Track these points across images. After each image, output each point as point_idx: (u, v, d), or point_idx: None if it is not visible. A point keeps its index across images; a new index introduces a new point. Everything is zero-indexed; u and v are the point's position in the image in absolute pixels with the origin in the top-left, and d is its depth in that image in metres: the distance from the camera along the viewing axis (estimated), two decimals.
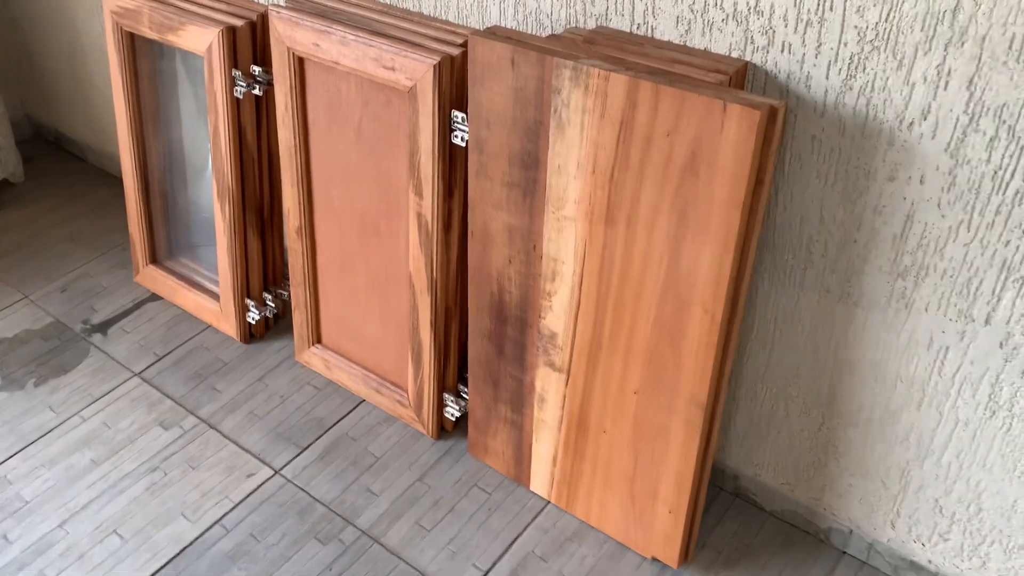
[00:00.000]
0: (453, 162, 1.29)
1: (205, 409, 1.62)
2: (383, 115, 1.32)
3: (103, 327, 1.81)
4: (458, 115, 1.23)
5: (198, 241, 1.87)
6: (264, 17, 1.52)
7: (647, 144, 1.04)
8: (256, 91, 1.50)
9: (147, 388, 1.67)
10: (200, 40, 1.50)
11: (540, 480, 1.42)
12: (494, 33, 1.13)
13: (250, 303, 1.71)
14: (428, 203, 1.31)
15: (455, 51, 1.21)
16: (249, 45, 1.50)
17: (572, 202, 1.14)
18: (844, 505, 1.30)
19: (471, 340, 1.38)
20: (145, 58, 1.69)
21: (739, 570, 1.34)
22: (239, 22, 1.48)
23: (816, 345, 1.19)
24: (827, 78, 1.00)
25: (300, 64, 1.38)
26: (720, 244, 1.03)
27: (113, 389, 1.67)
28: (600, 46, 1.11)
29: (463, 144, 1.24)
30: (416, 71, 1.22)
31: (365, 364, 1.60)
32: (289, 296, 1.74)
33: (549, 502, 1.44)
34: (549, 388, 1.32)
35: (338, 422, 1.59)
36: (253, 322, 1.73)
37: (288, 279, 1.76)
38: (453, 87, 1.23)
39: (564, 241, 1.18)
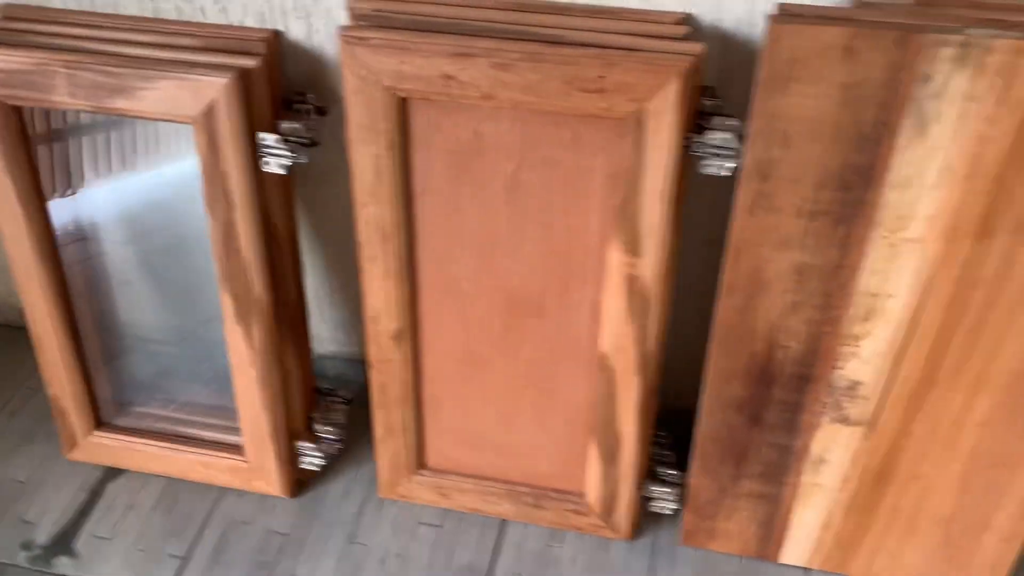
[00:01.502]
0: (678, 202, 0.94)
1: None
2: (563, 157, 0.93)
3: (63, 543, 1.22)
4: (717, 136, 0.88)
5: (165, 379, 1.31)
6: (272, 44, 1.02)
7: None
8: (301, 159, 1.01)
9: None
10: (185, 100, 0.97)
11: (797, 549, 1.16)
12: (797, 15, 0.80)
13: (303, 446, 1.23)
14: (650, 261, 0.95)
15: (695, 49, 0.85)
16: (267, 93, 1.00)
17: (922, 219, 0.85)
18: None
19: (706, 415, 1.06)
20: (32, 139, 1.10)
21: None
22: (249, 61, 0.97)
23: None
24: None
25: (402, 108, 0.93)
26: None
27: None
28: (942, 7, 0.82)
29: (725, 174, 0.90)
30: (645, 87, 0.85)
31: (507, 477, 1.21)
32: (344, 423, 1.28)
33: (810, 570, 1.18)
34: (835, 447, 1.04)
35: (496, 561, 1.19)
36: (315, 468, 1.24)
37: (329, 395, 1.29)
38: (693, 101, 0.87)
39: (897, 270, 0.89)
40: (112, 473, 1.31)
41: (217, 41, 1.01)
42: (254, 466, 1.24)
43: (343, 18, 1.00)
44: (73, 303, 1.19)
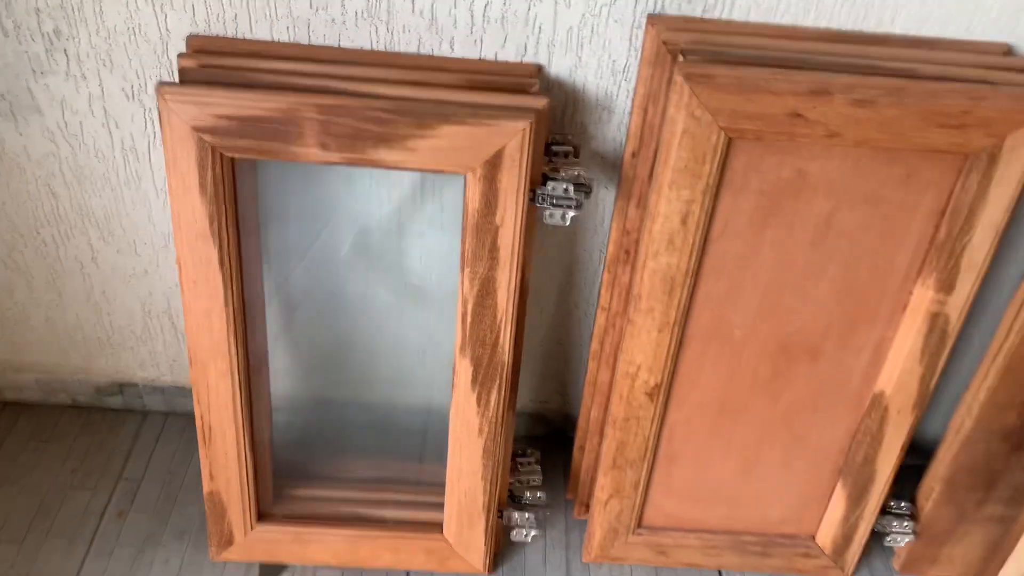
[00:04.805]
0: None
1: None
2: (888, 195, 0.88)
3: None
4: None
5: (330, 455, 1.15)
6: (541, 80, 0.91)
7: None
8: (573, 212, 0.90)
9: None
10: (469, 149, 0.84)
11: (1016, 566, 1.17)
12: None
13: (517, 516, 1.11)
14: (960, 298, 0.93)
15: None
16: (542, 137, 0.89)
17: None
18: None
19: (966, 443, 1.05)
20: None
21: None
22: (537, 102, 0.86)
23: None
24: None
25: (726, 150, 0.85)
26: None
27: None
28: None
29: None
30: (1008, 122, 0.82)
31: (732, 528, 1.14)
32: (542, 485, 1.16)
33: None
34: None
35: None
36: (528, 539, 1.13)
37: (520, 456, 1.18)
38: None
39: None
40: (271, 571, 1.13)
41: (478, 78, 0.89)
42: (457, 544, 1.11)
43: (620, 52, 0.91)
44: (253, 387, 1.02)
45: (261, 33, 0.91)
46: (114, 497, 1.19)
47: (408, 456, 1.20)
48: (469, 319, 0.95)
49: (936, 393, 1.20)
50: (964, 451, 1.06)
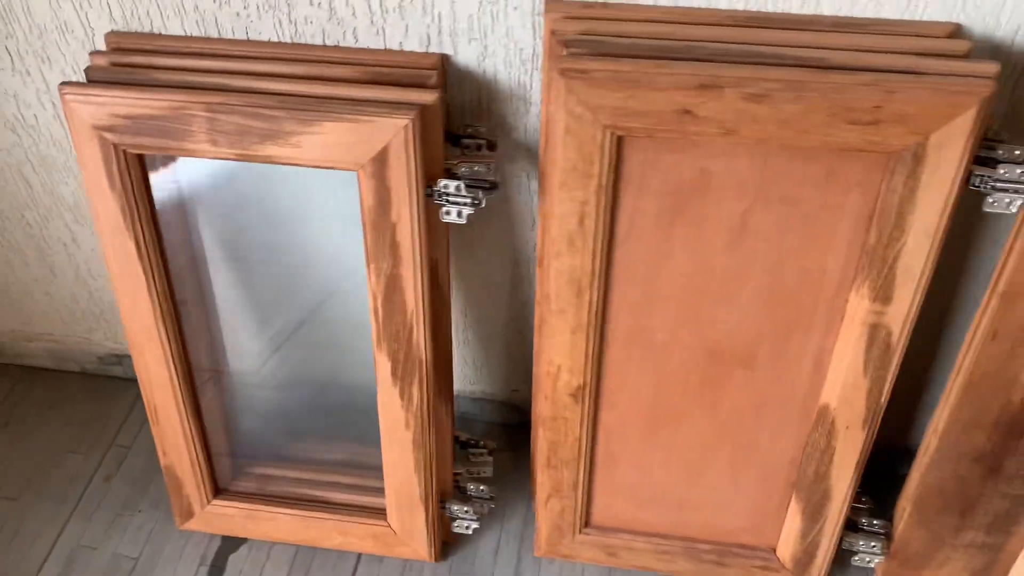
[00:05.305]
0: None
1: None
2: (806, 195, 0.80)
3: None
4: (1010, 170, 0.75)
5: (289, 436, 1.18)
6: (441, 72, 0.87)
7: None
8: (482, 205, 0.87)
9: None
10: (353, 145, 0.82)
11: None
12: None
13: (455, 508, 1.10)
14: (900, 308, 0.83)
15: (991, 70, 0.72)
16: (440, 130, 0.85)
17: None
18: None
19: (933, 465, 0.95)
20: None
21: None
22: (426, 96, 0.83)
23: None
24: None
25: (618, 147, 0.79)
26: None
27: None
28: None
29: (1013, 211, 0.77)
30: (931, 117, 0.72)
31: (685, 534, 1.09)
32: (491, 477, 1.15)
33: None
34: None
35: None
36: (469, 531, 1.12)
37: (471, 447, 1.17)
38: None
39: None
40: (232, 544, 1.18)
41: (379, 71, 0.86)
42: (400, 532, 1.12)
43: (526, 41, 0.86)
44: (192, 365, 1.05)
45: (174, 28, 0.92)
46: (104, 463, 1.27)
47: (368, 439, 1.20)
48: (380, 314, 0.93)
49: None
50: (932, 472, 0.96)
